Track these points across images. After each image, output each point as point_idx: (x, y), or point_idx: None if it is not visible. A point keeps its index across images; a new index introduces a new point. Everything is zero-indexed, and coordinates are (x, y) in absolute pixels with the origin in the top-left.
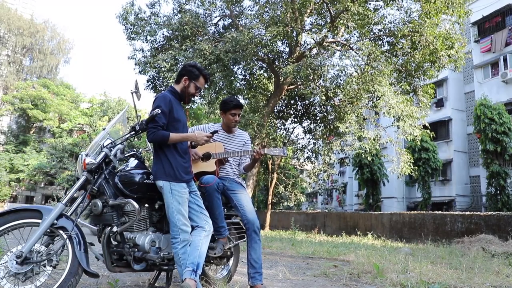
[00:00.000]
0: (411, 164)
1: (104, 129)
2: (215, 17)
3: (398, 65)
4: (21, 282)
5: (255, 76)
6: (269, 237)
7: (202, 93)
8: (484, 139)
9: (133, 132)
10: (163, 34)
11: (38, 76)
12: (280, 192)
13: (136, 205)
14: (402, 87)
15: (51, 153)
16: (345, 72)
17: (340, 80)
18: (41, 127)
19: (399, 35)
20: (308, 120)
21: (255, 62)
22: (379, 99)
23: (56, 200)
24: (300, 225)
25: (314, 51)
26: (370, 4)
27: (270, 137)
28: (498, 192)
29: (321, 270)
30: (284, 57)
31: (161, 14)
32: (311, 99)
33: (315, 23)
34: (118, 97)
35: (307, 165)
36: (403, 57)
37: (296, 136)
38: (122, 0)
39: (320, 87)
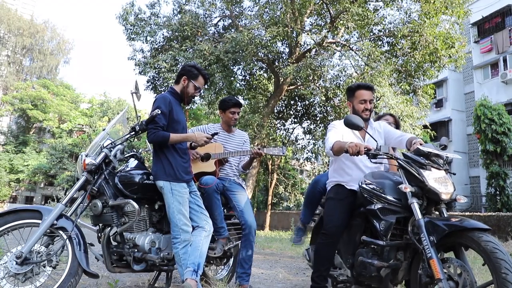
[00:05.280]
0: None
1: (104, 130)
2: (215, 17)
3: (398, 65)
4: (21, 283)
5: (255, 76)
6: (269, 237)
7: (202, 93)
8: (484, 140)
9: (133, 133)
10: (163, 34)
11: (38, 76)
12: (280, 192)
13: (136, 206)
14: (402, 87)
15: (51, 154)
16: (345, 72)
17: (340, 80)
18: (41, 127)
19: (399, 36)
20: (308, 121)
21: (255, 62)
22: (379, 100)
23: (56, 200)
24: None
25: (314, 51)
26: (370, 4)
27: (270, 138)
28: (498, 192)
29: None
30: (284, 58)
31: (161, 15)
32: (311, 100)
33: (315, 24)
34: (118, 98)
35: (306, 165)
36: (403, 58)
37: (296, 137)
38: (122, 0)
39: (320, 87)
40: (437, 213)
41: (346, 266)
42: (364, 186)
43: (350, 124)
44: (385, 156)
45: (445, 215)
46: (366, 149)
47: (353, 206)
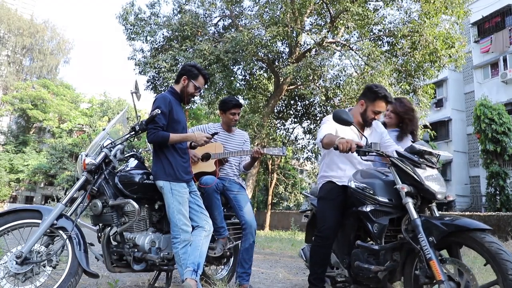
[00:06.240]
0: None
1: (104, 130)
2: (215, 17)
3: (398, 65)
4: (21, 283)
5: (255, 76)
6: (269, 237)
7: (202, 93)
8: (484, 139)
9: (133, 133)
10: (163, 34)
11: (38, 76)
12: (280, 192)
13: (136, 205)
14: (402, 87)
15: (51, 154)
16: (345, 72)
17: (340, 80)
18: (41, 127)
19: (399, 35)
20: (308, 121)
21: (255, 62)
22: None
23: (56, 200)
24: (300, 225)
25: (314, 51)
26: (370, 4)
27: (270, 138)
28: (498, 192)
29: None
30: (284, 58)
31: (161, 15)
32: (311, 100)
33: (315, 24)
34: (118, 98)
35: (306, 165)
36: (403, 57)
37: (296, 137)
38: (122, 0)
39: (320, 87)
40: (428, 212)
41: (343, 266)
42: (353, 186)
43: (339, 119)
44: (376, 154)
45: (436, 214)
46: (357, 146)
47: (346, 204)
